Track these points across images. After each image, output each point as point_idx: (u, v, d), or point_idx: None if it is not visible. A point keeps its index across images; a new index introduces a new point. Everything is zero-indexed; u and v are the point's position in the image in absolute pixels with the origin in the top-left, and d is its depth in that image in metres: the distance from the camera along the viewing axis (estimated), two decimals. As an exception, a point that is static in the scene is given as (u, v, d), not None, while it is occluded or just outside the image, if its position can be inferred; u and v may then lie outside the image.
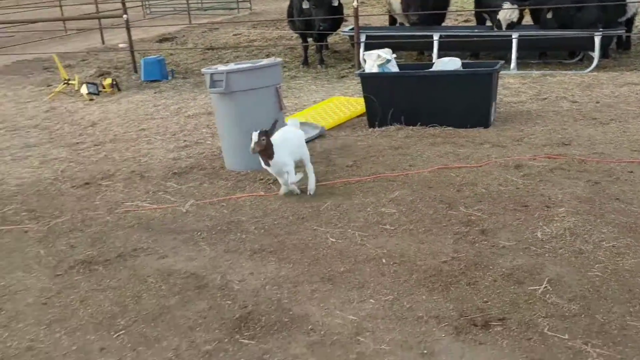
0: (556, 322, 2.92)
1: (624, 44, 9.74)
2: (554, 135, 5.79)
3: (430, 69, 6.53)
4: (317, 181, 4.77)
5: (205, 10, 20.44)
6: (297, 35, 11.10)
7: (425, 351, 2.78)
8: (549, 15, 8.76)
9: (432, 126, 6.15)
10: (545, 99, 7.24)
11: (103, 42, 14.88)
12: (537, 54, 9.62)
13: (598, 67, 8.51)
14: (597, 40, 8.40)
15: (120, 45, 13.73)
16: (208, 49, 12.49)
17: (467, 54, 9.64)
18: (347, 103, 7.45)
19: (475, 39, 9.36)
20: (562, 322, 2.92)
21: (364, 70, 6.71)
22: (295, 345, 2.90)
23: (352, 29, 9.73)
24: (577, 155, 5.11)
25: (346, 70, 9.75)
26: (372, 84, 6.33)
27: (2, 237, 4.40)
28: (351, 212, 4.32)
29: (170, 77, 10.11)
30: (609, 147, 5.34)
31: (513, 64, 8.76)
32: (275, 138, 4.49)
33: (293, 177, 4.53)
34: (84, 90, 9.10)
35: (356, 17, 9.38)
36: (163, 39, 14.54)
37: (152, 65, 10.01)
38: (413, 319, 3.03)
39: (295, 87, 8.88)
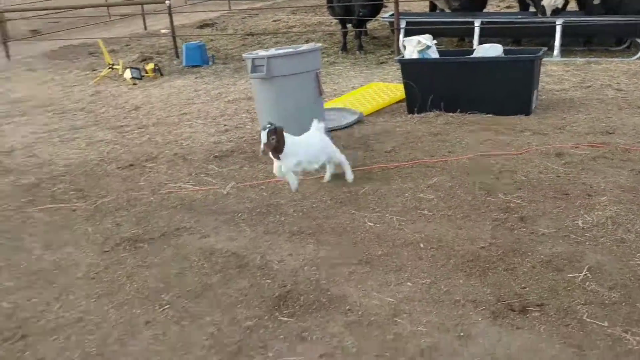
0: (595, 310, 2.91)
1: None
2: (598, 123, 5.68)
3: (471, 56, 6.47)
4: (354, 167, 4.80)
5: (245, -4, 20.53)
6: (336, 21, 11.08)
7: (462, 334, 2.81)
8: (596, 1, 8.53)
9: (472, 113, 6.10)
10: (590, 86, 7.09)
11: (145, 28, 15.15)
12: (581, 40, 9.39)
13: (646, 55, 8.28)
14: (645, 26, 8.16)
15: (162, 31, 13.96)
16: (248, 35, 12.59)
17: (509, 40, 9.47)
18: (386, 89, 7.44)
19: (517, 25, 9.19)
20: (602, 309, 2.91)
21: (403, 56, 6.69)
22: (334, 324, 2.97)
23: (392, 15, 9.68)
24: (621, 144, 5.02)
25: (385, 57, 9.70)
26: (412, 70, 6.31)
27: (52, 214, 4.59)
28: (389, 197, 4.35)
29: (210, 63, 10.24)
30: (655, 136, 5.22)
31: (556, 51, 8.58)
32: (292, 136, 4.38)
33: (293, 176, 4.44)
34: (127, 74, 9.32)
35: (396, 3, 9.33)
36: (203, 25, 14.72)
37: (194, 51, 10.16)
38: (450, 302, 3.06)
39: (334, 73, 8.90)
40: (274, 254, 3.69)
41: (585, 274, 3.19)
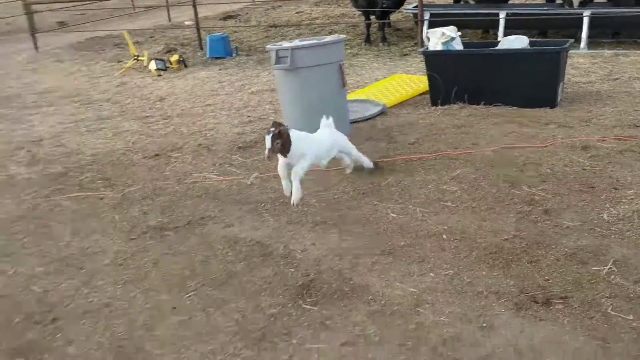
0: (620, 303, 2.89)
1: None
2: (625, 116, 5.60)
3: (496, 47, 6.41)
4: (378, 158, 4.81)
5: (268, -12, 20.52)
6: (359, 13, 11.06)
7: (484, 324, 2.81)
8: (625, -8, 8.39)
9: (496, 105, 6.06)
10: (617, 79, 6.98)
11: (169, 20, 15.28)
12: (609, 32, 9.23)
13: (676, 47, 8.12)
14: (676, 18, 8.00)
15: (186, 23, 14.07)
16: (271, 27, 12.63)
17: (535, 32, 9.36)
18: (410, 81, 7.41)
19: (543, 16, 9.08)
20: (627, 303, 2.89)
21: (427, 48, 6.66)
22: (356, 313, 2.99)
23: (416, 6, 9.63)
24: (649, 138, 4.95)
25: (408, 49, 9.67)
26: (435, 62, 6.28)
27: (80, 203, 4.68)
28: (412, 188, 4.35)
29: (234, 54, 10.31)
30: (684, 130, 5.13)
31: (583, 43, 8.46)
32: (300, 132, 4.19)
33: (298, 190, 4.14)
34: (152, 66, 9.43)
35: (420, -6, 9.27)
36: (227, 17, 14.80)
37: (217, 43, 10.23)
38: (473, 293, 3.07)
39: (357, 64, 8.89)
40: (297, 243, 3.73)
41: (610, 267, 3.17)
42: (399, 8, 10.59)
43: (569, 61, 6.79)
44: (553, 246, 3.43)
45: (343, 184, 4.55)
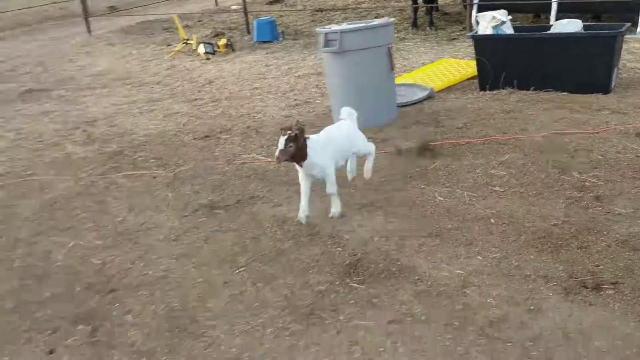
0: (673, 291, 2.85)
1: None
2: (683, 103, 5.43)
3: (549, 31, 6.28)
4: (423, 142, 4.80)
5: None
6: (407, -4, 10.96)
7: (532, 307, 2.82)
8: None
9: (547, 91, 5.95)
10: (675, 65, 6.75)
11: (217, 4, 15.47)
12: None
13: None
14: None
15: (233, 7, 14.22)
16: (317, 11, 12.64)
17: (588, 16, 9.09)
18: (457, 65, 7.34)
19: (597, 0, 8.80)
20: (680, 291, 2.85)
21: (476, 33, 6.57)
22: (403, 292, 3.04)
23: (465, -10, 9.47)
24: None
25: (457, 33, 9.54)
26: (485, 46, 6.20)
27: (134, 181, 4.85)
28: (460, 172, 4.35)
29: (280, 38, 10.38)
30: None
31: (640, 28, 8.18)
32: (318, 137, 3.81)
33: (334, 187, 3.81)
34: (201, 49, 9.60)
35: (470, -23, 9.12)
36: (273, 1, 14.87)
37: (264, 27, 10.32)
38: (520, 277, 3.07)
39: (404, 49, 8.84)
40: (344, 224, 3.79)
41: (664, 255, 3.12)
42: (447, -8, 10.44)
43: (624, 46, 6.60)
44: (604, 232, 3.38)
45: (389, 168, 4.57)
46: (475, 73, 6.44)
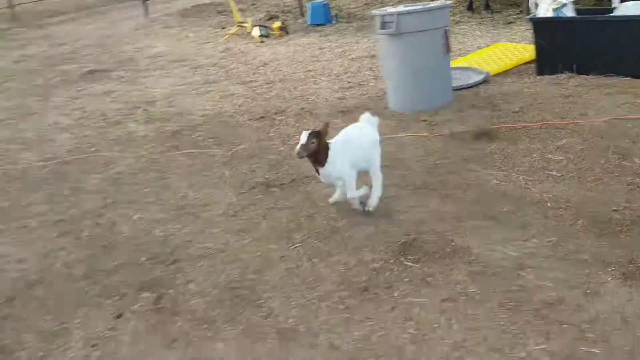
0: None
1: None
2: None
3: (612, 14, 6.09)
4: (479, 126, 4.78)
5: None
6: (463, -21, 10.77)
7: (588, 291, 2.80)
8: None
9: (608, 75, 5.78)
10: None
11: (270, -12, 15.56)
12: None
13: None
14: None
15: (287, -10, 14.27)
16: (370, -6, 12.56)
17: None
18: (514, 49, 7.21)
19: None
20: None
21: (535, 15, 6.43)
22: (457, 272, 3.07)
23: (524, -29, 9.24)
24: None
25: (513, 16, 9.34)
26: (545, 29, 6.07)
27: (193, 158, 5.02)
28: (516, 156, 4.31)
29: (334, 21, 10.40)
30: None
31: None
32: (335, 141, 3.66)
33: (353, 191, 3.65)
34: (255, 32, 9.73)
35: (530, -42, 8.88)
36: (327, -16, 14.84)
37: (318, 10, 10.36)
38: (577, 261, 3.05)
39: (459, 32, 8.72)
40: (398, 204, 3.83)
41: None
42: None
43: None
44: (666, 219, 3.31)
45: (445, 150, 4.58)
46: (533, 57, 6.32)
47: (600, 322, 2.60)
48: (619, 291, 2.79)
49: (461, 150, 4.52)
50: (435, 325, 2.71)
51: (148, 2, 13.84)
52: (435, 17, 5.32)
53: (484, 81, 6.15)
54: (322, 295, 3.02)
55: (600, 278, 2.90)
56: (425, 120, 5.24)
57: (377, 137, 3.82)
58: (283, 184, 4.32)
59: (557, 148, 4.35)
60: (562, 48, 5.95)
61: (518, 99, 5.53)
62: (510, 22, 9.05)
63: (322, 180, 3.69)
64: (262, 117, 5.88)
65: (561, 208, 3.56)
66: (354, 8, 11.52)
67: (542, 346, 2.50)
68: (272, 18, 11.11)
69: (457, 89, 5.88)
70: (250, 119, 5.88)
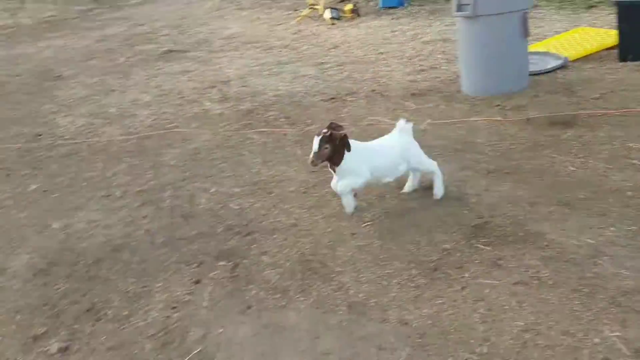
0: None
1: None
2: None
3: None
4: (555, 112, 4.66)
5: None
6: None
7: (669, 281, 2.74)
8: None
9: (699, 63, 5.50)
10: None
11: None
12: None
13: None
14: None
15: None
16: (444, -23, 12.34)
17: None
18: (595, 34, 6.93)
19: None
20: None
21: (620, -2, 6.15)
22: (530, 256, 3.05)
23: (609, -47, 8.83)
24: None
25: (596, 0, 8.95)
26: (630, 13, 5.81)
27: (267, 137, 5.15)
28: (594, 144, 4.20)
29: (406, 4, 10.30)
30: None
31: None
32: (358, 144, 3.51)
33: (351, 188, 3.52)
34: (327, 15, 9.77)
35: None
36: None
37: (390, -8, 10.27)
38: (658, 251, 2.97)
39: (537, 16, 8.45)
40: (470, 188, 3.82)
41: None
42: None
43: None
44: None
45: (519, 135, 4.51)
46: (615, 42, 6.07)
47: (681, 313, 2.54)
48: (702, 283, 2.70)
49: (536, 136, 4.44)
50: (506, 306, 2.71)
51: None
52: (514, -1, 5.20)
53: (562, 67, 5.97)
54: (392, 272, 3.08)
55: (683, 269, 2.81)
56: (498, 105, 5.16)
57: (409, 144, 3.65)
58: (355, 163, 4.37)
59: (640, 136, 4.21)
60: (648, 33, 5.69)
61: (598, 85, 5.35)
62: (592, 6, 8.68)
63: (337, 176, 3.50)
64: (333, 98, 5.95)
65: (642, 197, 3.45)
66: (427, -9, 11.35)
67: (617, 333, 2.47)
68: (344, 0, 11.10)
69: (533, 74, 5.74)
70: (321, 100, 5.96)
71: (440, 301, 2.82)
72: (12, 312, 3.15)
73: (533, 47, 6.62)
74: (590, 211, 3.38)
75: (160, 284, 3.24)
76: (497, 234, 3.27)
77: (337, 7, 10.26)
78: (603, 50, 6.43)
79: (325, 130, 3.31)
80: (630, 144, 4.11)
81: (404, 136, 3.65)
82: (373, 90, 6.05)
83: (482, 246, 3.19)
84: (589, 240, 3.11)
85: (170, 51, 9.23)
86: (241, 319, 2.88)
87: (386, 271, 3.09)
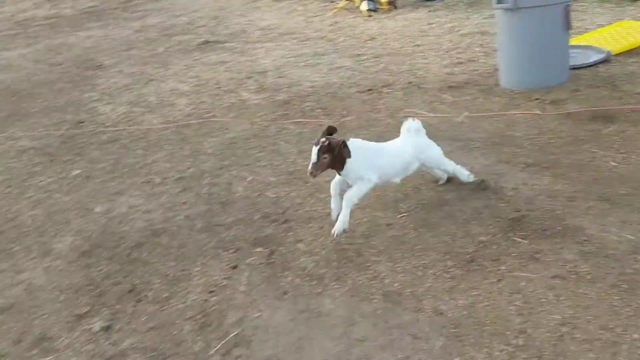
0: None
1: None
2: None
3: None
4: (596, 106, 4.57)
5: None
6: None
7: None
8: None
9: None
10: None
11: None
12: None
13: None
14: None
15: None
16: (483, -31, 12.16)
17: None
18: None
19: None
20: None
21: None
22: (568, 251, 3.02)
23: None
24: None
25: (641, -7, 8.72)
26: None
27: (302, 127, 5.20)
28: (637, 139, 4.11)
29: (444, -4, 10.19)
30: None
31: None
32: (366, 144, 3.40)
33: (355, 198, 3.31)
34: (363, 6, 9.74)
35: None
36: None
37: (428, -16, 10.16)
38: (702, 249, 2.91)
39: (578, 9, 8.26)
40: (507, 181, 3.79)
41: None
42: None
43: None
44: None
45: (559, 129, 4.45)
46: (662, 36, 5.92)
47: None
48: None
49: (576, 131, 4.37)
50: (543, 300, 2.70)
51: (259, -24, 14.19)
52: (556, -9, 5.11)
53: (605, 61, 5.85)
54: (428, 263, 3.09)
55: None
56: (538, 99, 5.09)
57: (422, 144, 3.58)
58: (390, 155, 4.38)
59: (685, 132, 4.11)
60: (696, 27, 5.53)
61: (642, 80, 5.23)
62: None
63: (343, 177, 3.34)
64: (369, 90, 5.95)
65: (686, 194, 3.38)
66: (465, -17, 11.21)
67: (658, 330, 2.44)
68: (380, -8, 11.07)
69: (574, 68, 5.63)
70: (357, 91, 5.97)
71: (475, 293, 2.82)
72: (57, 291, 3.27)
73: (574, 41, 6.49)
74: (631, 207, 3.32)
75: (198, 268, 3.31)
76: (535, 227, 3.25)
77: (374, -1, 10.22)
78: (648, 44, 6.28)
79: (323, 140, 3.15)
80: (675, 140, 4.02)
81: (416, 136, 3.57)
82: (410, 83, 6.03)
83: (519, 239, 3.17)
84: (630, 236, 3.06)
85: (208, 42, 9.34)
86: (277, 304, 2.93)
87: (422, 262, 3.11)
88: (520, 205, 3.48)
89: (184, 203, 4.06)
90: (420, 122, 3.61)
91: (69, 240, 3.77)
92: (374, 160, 3.36)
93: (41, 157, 5.26)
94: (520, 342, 2.49)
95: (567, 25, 5.25)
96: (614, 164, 3.82)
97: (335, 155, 3.18)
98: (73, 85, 7.65)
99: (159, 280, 3.25)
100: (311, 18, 10.18)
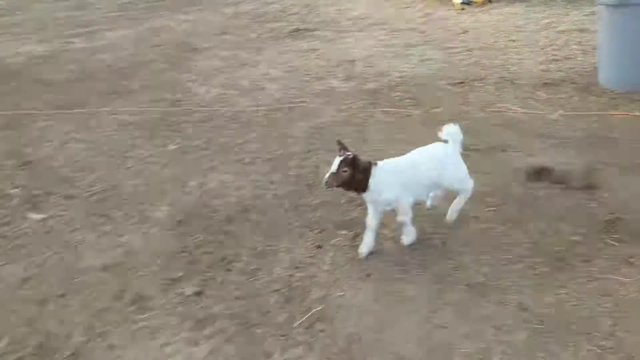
0: None
1: None
2: None
3: None
4: None
5: None
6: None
7: None
8: None
9: None
10: None
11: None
12: None
13: None
14: None
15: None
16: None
17: None
18: None
19: None
20: None
21: None
22: (666, 257, 2.91)
23: None
24: None
25: None
26: None
27: (389, 116, 5.22)
28: None
29: (542, -9, 9.84)
30: None
31: None
32: (385, 165, 3.17)
33: (406, 216, 3.17)
34: (457, 0, 9.59)
35: None
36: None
37: (526, -22, 9.86)
38: None
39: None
40: (604, 182, 3.67)
41: None
42: None
43: None
44: None
45: (661, 133, 4.25)
46: None
47: None
48: None
49: (682, 135, 4.16)
50: (636, 304, 2.62)
51: (351, -34, 14.23)
52: (669, -13, 4.85)
53: None
54: (513, 258, 3.06)
55: None
56: (639, 100, 4.87)
57: (452, 157, 3.29)
58: (480, 149, 4.33)
59: None
60: None
61: None
62: None
63: (368, 200, 3.17)
64: (460, 83, 5.88)
65: None
66: (566, -22, 10.78)
67: None
68: (475, -14, 10.85)
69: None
70: (448, 84, 5.91)
71: (563, 291, 2.77)
72: (153, 256, 3.48)
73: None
74: None
75: (284, 245, 3.43)
76: (631, 231, 3.15)
77: (468, -8, 10.03)
78: None
79: (349, 153, 2.98)
80: None
81: (448, 148, 3.29)
82: (502, 78, 5.91)
83: (613, 242, 3.08)
84: None
85: (299, 30, 9.49)
86: (360, 285, 3.00)
87: (507, 256, 3.08)
88: (616, 208, 3.37)
89: (272, 182, 4.20)
90: (459, 127, 3.32)
91: (166, 209, 3.99)
92: (397, 181, 3.14)
93: (140, 131, 5.57)
94: (609, 344, 2.44)
95: (678, 24, 4.97)
96: None
97: (356, 174, 3.00)
98: (170, 66, 8.01)
99: (248, 253, 3.39)
100: (402, 9, 10.13)
